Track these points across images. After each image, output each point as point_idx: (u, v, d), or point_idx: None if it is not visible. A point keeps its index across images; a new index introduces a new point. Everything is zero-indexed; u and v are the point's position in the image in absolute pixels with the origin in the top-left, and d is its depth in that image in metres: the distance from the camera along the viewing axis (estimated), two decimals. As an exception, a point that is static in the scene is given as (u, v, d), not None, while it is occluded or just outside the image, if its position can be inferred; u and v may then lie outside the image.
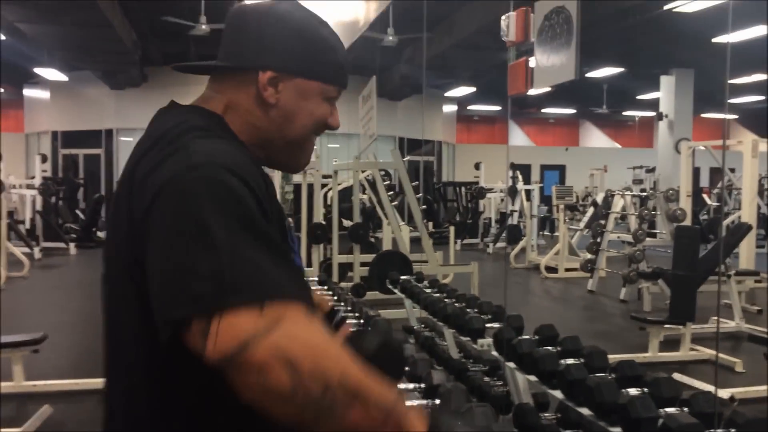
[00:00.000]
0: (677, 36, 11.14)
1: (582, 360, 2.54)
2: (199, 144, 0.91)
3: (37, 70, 13.97)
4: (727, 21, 10.34)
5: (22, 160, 16.80)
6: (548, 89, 16.92)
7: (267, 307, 0.78)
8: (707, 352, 5.01)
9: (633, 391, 2.14)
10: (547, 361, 2.53)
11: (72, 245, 11.58)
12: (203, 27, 8.67)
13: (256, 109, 1.01)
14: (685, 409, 2.03)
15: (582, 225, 11.26)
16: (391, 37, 9.09)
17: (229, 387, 0.79)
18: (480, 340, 3.17)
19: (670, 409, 1.99)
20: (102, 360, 0.98)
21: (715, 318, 6.09)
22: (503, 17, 2.60)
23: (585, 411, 2.24)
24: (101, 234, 13.35)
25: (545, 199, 14.81)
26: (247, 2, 1.10)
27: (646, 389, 2.18)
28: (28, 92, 17.38)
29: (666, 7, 8.40)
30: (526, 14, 2.57)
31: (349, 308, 3.70)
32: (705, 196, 15.48)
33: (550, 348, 2.70)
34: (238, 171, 0.88)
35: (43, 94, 16.60)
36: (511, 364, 2.80)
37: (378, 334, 1.00)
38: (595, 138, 25.31)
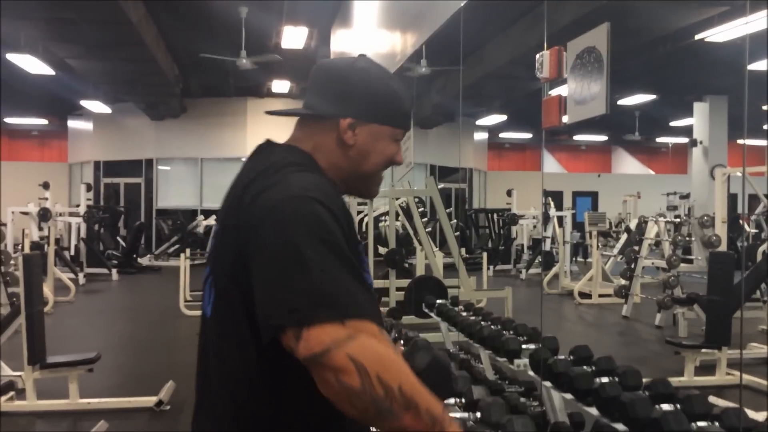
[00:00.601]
0: (710, 63, 11.17)
1: (616, 378, 2.64)
2: (296, 178, 1.10)
3: (83, 103, 14.55)
4: (762, 49, 10.38)
5: (65, 188, 17.39)
6: (580, 116, 16.99)
7: (347, 322, 0.96)
8: (745, 378, 5.01)
9: (666, 407, 2.24)
10: (582, 380, 2.64)
11: (114, 271, 11.93)
12: (244, 61, 9.02)
13: (337, 149, 1.21)
14: (716, 423, 2.12)
15: (615, 251, 11.24)
16: (424, 69, 9.32)
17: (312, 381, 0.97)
18: (516, 361, 3.29)
19: (702, 423, 2.08)
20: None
21: (753, 344, 6.08)
22: (537, 55, 2.79)
23: (620, 427, 2.34)
24: (141, 260, 13.74)
25: (578, 226, 14.78)
26: (331, 59, 1.28)
27: (678, 405, 2.27)
28: (71, 123, 18.05)
29: (697, 37, 8.48)
30: (560, 53, 2.75)
31: (394, 334, 3.86)
32: (743, 222, 15.27)
33: (585, 367, 2.81)
34: (326, 203, 1.06)
35: (86, 126, 17.24)
36: (548, 383, 2.91)
37: (427, 354, 1.14)
38: (627, 164, 25.18)
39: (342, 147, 1.20)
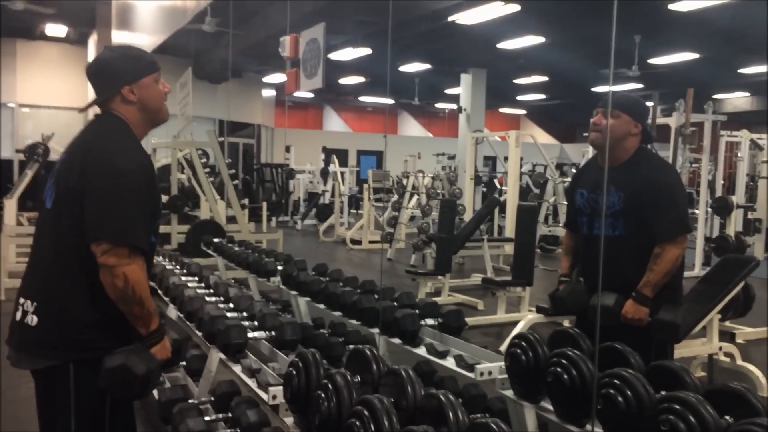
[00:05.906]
0: (470, 40, 12.76)
1: (341, 283, 3.55)
2: (122, 146, 1.83)
3: None
4: (506, 31, 12.09)
5: None
6: (362, 79, 18.20)
7: (132, 252, 1.78)
8: (461, 298, 6.38)
9: (367, 295, 3.16)
10: (314, 285, 3.52)
11: None
12: (17, 4, 8.72)
13: (130, 108, 1.91)
14: (409, 310, 3.08)
15: (390, 204, 12.61)
16: (209, 26, 9.66)
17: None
18: (273, 279, 4.11)
19: (382, 299, 3.03)
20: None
21: (476, 274, 7.56)
22: (281, 38, 3.59)
23: (337, 313, 3.25)
24: None
25: (362, 182, 16.05)
26: (92, 59, 1.93)
27: (376, 296, 3.22)
28: None
29: (450, 19, 9.80)
30: (296, 39, 3.59)
31: (173, 263, 4.47)
32: (497, 182, 17.60)
33: (320, 278, 3.69)
34: (141, 167, 1.83)
35: None
36: (294, 292, 3.75)
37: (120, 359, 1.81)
38: (412, 127, 27.21)
39: (131, 105, 1.91)
